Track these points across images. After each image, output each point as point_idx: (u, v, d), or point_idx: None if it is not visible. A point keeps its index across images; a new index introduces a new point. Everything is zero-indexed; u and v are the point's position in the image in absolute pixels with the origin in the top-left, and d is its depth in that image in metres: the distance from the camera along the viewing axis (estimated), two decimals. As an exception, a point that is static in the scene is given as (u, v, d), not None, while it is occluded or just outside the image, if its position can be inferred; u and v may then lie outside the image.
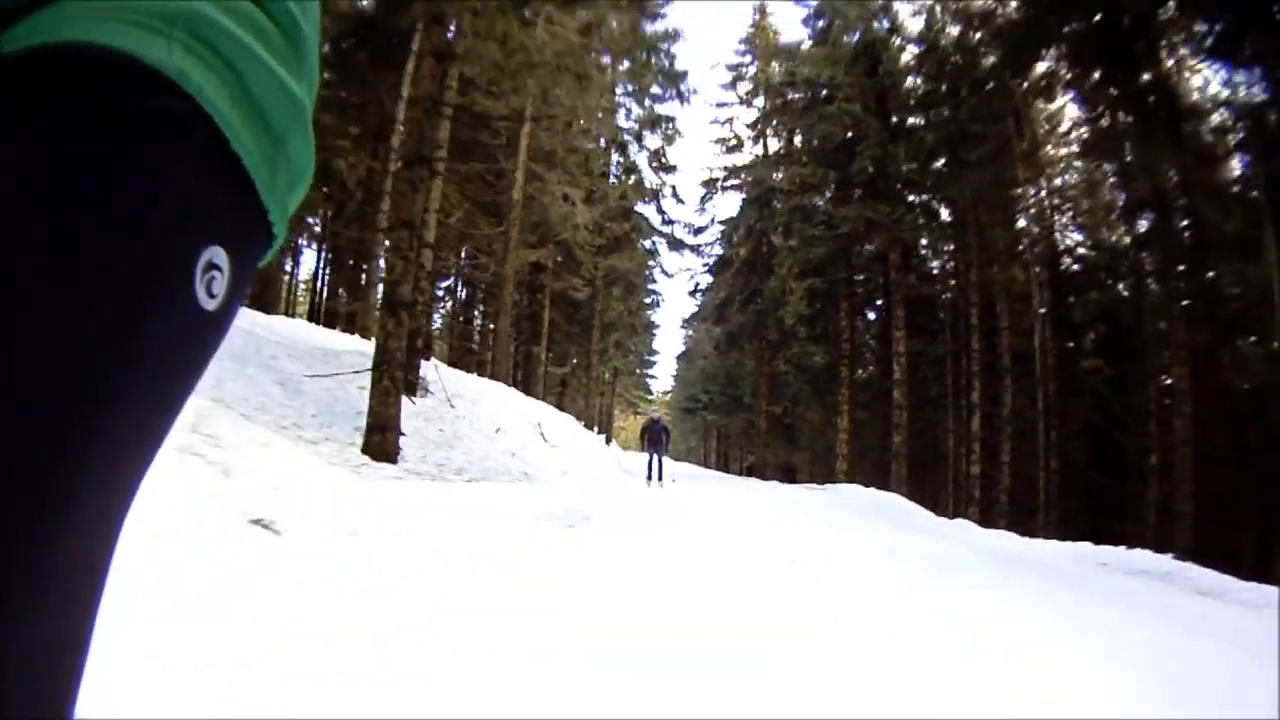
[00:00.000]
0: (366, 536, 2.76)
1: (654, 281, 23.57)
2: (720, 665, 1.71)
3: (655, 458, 11.39)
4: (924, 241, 15.82)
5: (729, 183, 22.54)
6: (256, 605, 1.76)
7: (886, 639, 2.12)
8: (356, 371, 6.62)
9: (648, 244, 20.13)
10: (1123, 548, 6.61)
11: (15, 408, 0.24)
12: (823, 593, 2.76)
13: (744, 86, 22.28)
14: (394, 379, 5.71)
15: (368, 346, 7.46)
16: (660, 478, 11.19)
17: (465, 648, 1.65)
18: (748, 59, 22.33)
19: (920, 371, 16.85)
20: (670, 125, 17.93)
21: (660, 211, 19.98)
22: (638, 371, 29.49)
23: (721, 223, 22.96)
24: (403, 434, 5.98)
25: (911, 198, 14.93)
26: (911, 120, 14.69)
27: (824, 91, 15.68)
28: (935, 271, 17.06)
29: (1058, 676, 1.95)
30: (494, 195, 12.92)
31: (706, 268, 23.38)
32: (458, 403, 8.55)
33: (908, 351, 15.63)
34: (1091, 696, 1.82)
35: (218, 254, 0.30)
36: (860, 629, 2.22)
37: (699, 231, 22.27)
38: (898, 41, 15.13)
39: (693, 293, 24.05)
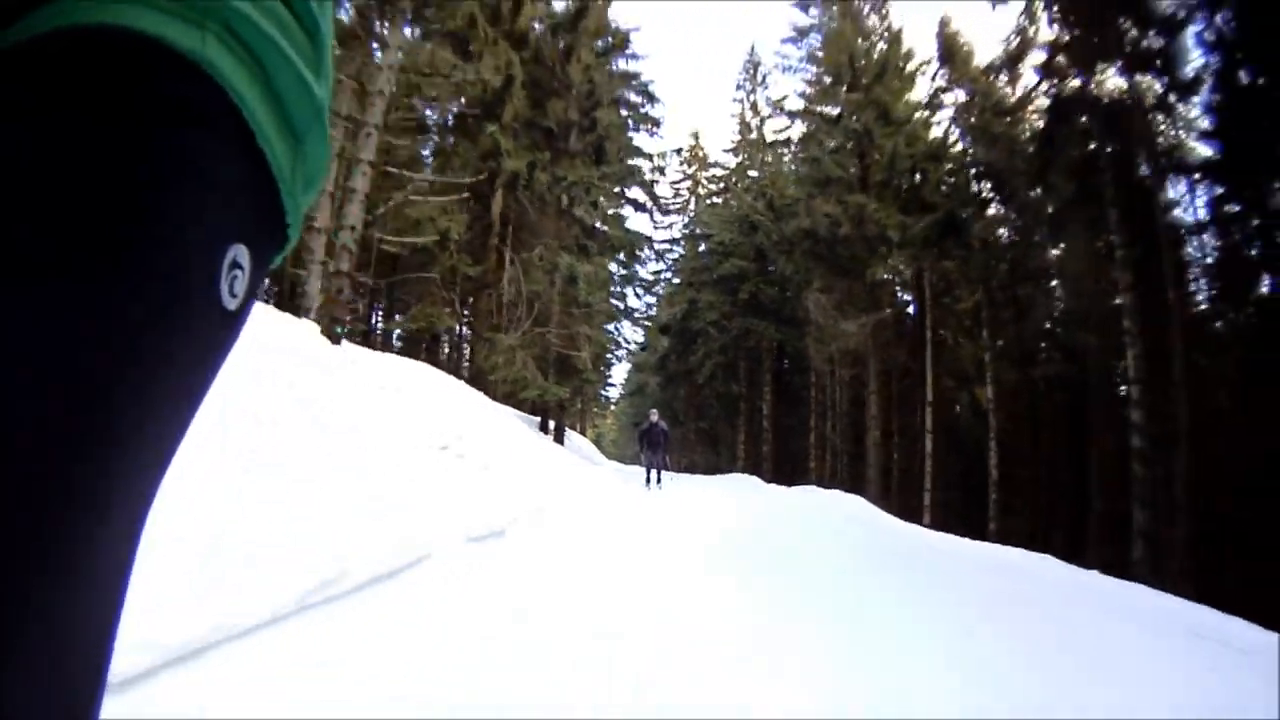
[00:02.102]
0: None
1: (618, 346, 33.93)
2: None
3: (653, 465, 11.59)
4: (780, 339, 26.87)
5: (667, 274, 33.10)
6: None
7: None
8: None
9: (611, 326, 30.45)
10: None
11: (39, 406, 0.23)
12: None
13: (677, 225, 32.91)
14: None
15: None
16: (659, 482, 11.45)
17: None
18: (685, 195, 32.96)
19: (783, 405, 28.06)
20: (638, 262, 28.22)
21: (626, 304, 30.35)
22: (600, 396, 39.84)
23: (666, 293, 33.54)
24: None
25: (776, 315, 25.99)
26: (772, 268, 25.57)
27: (724, 245, 26.39)
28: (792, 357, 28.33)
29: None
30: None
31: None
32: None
33: (774, 393, 26.75)
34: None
35: (241, 252, 0.30)
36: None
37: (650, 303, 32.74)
38: (767, 219, 26.00)
39: (643, 347, 34.39)
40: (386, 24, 9.37)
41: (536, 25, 14.32)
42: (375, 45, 9.82)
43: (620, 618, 2.63)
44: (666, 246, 32.75)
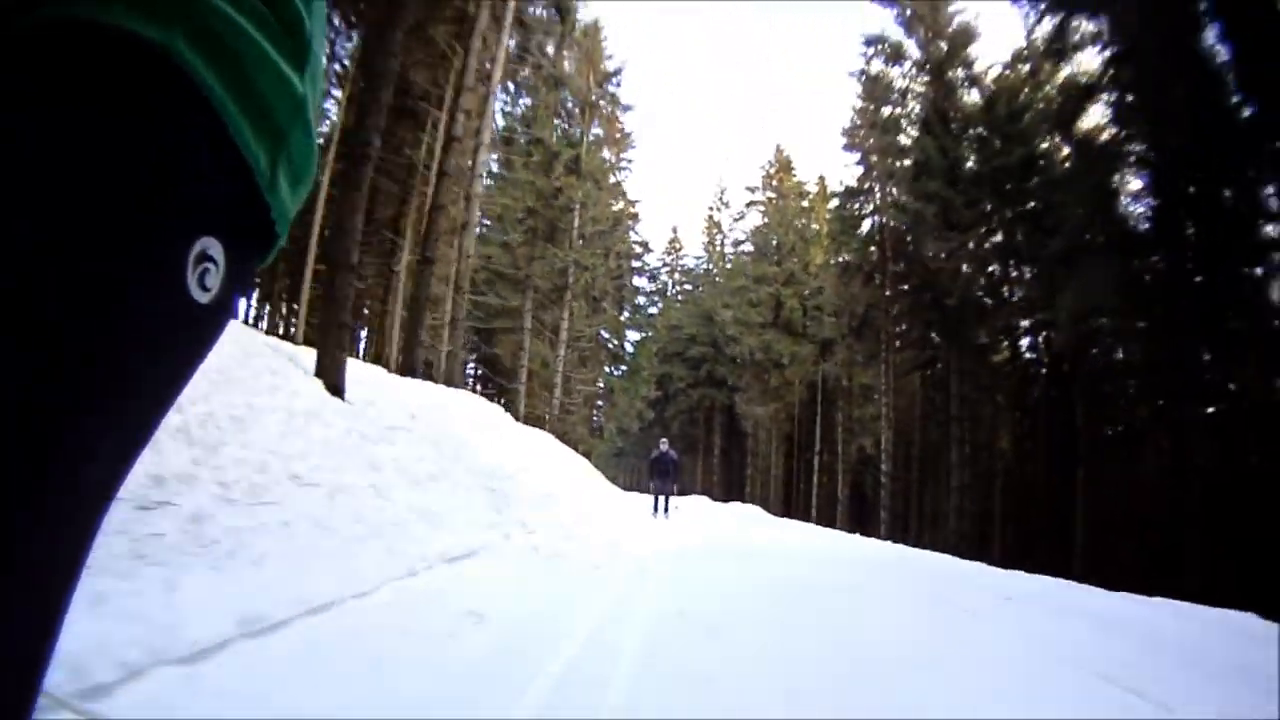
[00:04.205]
0: None
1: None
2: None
3: (663, 493, 11.53)
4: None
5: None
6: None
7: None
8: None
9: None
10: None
11: None
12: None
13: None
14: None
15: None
16: (666, 510, 11.46)
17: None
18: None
19: (731, 446, 39.39)
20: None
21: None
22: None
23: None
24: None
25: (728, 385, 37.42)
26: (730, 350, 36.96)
27: (692, 336, 37.72)
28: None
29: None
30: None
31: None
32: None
33: (723, 438, 38.06)
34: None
35: (212, 245, 0.30)
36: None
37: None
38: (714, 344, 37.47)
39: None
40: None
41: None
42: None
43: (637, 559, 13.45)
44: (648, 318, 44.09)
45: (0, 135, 0.25)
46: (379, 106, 6.51)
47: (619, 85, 26.14)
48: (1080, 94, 13.77)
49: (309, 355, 6.11)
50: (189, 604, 1.79)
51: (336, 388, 5.64)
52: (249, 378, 4.39)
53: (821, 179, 32.84)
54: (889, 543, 12.43)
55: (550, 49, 16.92)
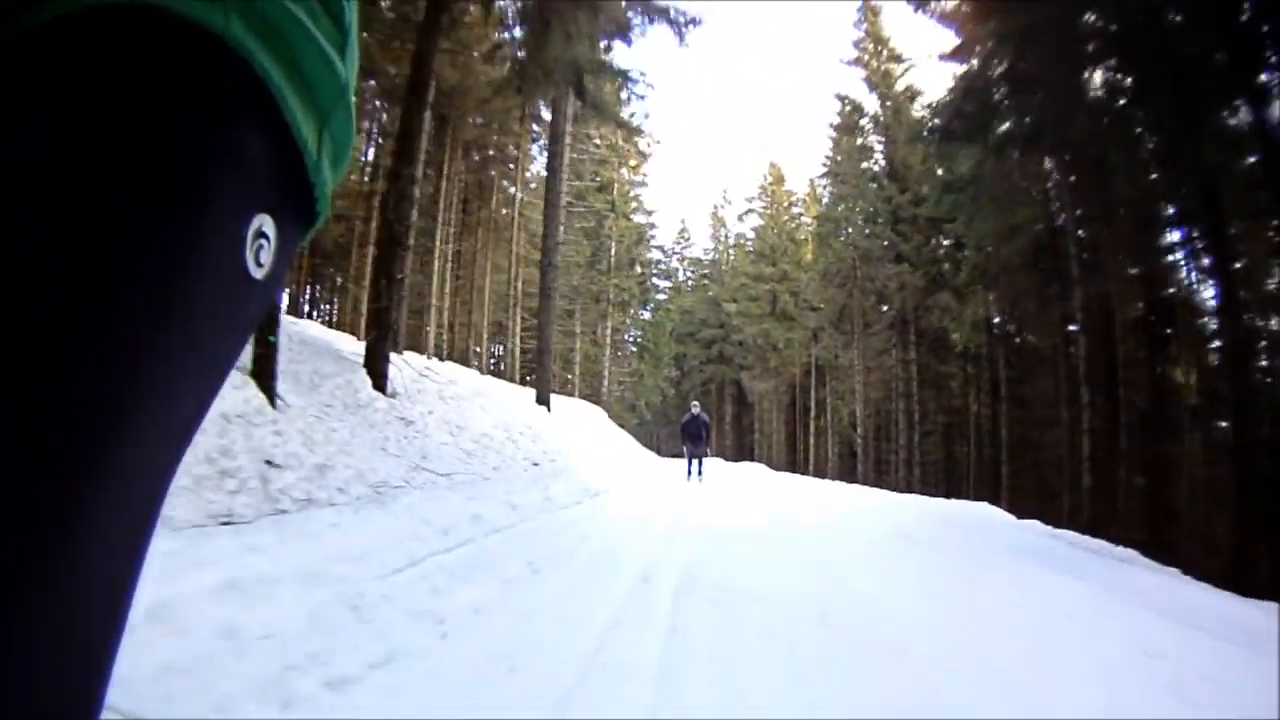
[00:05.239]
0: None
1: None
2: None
3: (696, 457, 11.82)
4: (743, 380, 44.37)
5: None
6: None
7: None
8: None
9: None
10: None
11: (54, 362, 0.24)
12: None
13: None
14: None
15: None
16: (700, 474, 11.72)
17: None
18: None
19: (741, 414, 45.78)
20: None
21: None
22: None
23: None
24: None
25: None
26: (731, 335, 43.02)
27: (703, 320, 43.72)
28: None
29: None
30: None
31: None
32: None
33: (734, 406, 44.45)
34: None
35: (266, 222, 0.31)
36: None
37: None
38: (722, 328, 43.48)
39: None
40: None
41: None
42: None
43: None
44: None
45: (65, 123, 0.26)
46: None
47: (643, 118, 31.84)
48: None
49: (529, 392, 12.47)
50: (555, 493, 8.17)
51: (545, 401, 11.99)
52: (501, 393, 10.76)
53: (811, 183, 38.39)
54: (856, 485, 18.80)
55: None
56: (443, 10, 9.47)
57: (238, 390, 5.26)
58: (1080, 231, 14.27)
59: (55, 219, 0.25)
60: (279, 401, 5.69)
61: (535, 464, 8.94)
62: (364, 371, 8.45)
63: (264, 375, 5.68)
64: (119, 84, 0.27)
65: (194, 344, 0.29)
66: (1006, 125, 9.92)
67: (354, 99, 0.38)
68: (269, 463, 4.57)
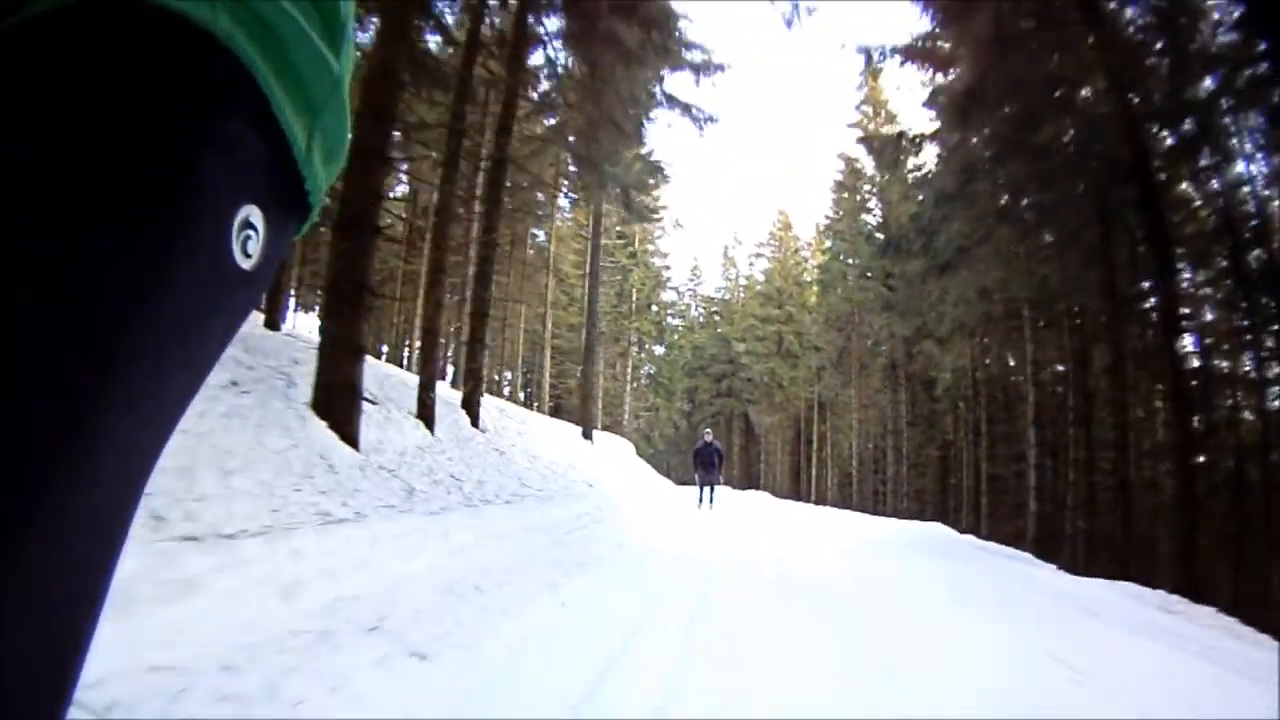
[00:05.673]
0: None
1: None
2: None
3: (708, 484, 12.24)
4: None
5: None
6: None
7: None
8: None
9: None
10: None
11: (35, 347, 0.23)
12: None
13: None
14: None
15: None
16: (711, 502, 12.22)
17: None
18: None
19: (748, 444, 48.34)
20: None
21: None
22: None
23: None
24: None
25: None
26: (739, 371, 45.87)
27: (713, 355, 46.63)
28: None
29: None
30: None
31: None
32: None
33: (742, 437, 47.05)
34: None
35: (254, 214, 0.31)
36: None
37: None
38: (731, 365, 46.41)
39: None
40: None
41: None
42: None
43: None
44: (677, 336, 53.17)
45: (56, 116, 0.26)
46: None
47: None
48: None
49: (574, 428, 15.28)
50: (610, 505, 10.97)
51: (589, 436, 14.77)
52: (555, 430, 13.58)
53: (818, 227, 41.58)
54: (849, 511, 21.37)
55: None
56: (512, 117, 12.49)
57: (417, 429, 8.12)
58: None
59: (41, 209, 0.25)
60: (436, 436, 8.55)
61: (590, 485, 11.71)
62: (463, 411, 11.31)
63: (427, 419, 8.56)
64: (103, 77, 0.28)
65: (177, 330, 0.29)
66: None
67: (348, 96, 0.38)
68: (453, 477, 7.40)
